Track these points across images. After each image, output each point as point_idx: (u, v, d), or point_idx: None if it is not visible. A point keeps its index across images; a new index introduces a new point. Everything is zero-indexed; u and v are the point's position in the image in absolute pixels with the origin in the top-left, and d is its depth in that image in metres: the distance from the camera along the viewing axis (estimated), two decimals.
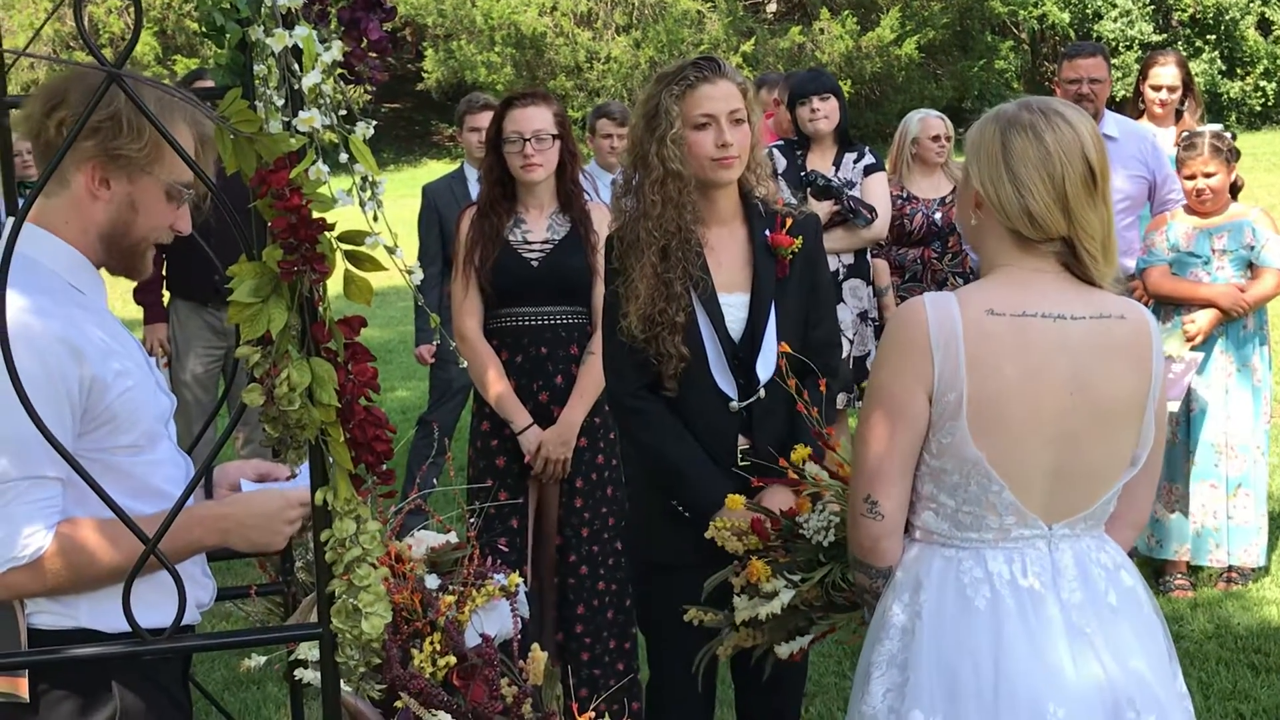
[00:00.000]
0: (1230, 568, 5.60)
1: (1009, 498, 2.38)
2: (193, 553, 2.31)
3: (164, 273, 6.37)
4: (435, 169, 24.21)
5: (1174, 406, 5.39)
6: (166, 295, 6.50)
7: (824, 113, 6.10)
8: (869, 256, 6.34)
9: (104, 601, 2.17)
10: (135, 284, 6.16)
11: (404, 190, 17.05)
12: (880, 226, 6.13)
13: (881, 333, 6.17)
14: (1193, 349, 5.43)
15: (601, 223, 4.47)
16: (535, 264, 4.40)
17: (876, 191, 6.15)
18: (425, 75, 25.11)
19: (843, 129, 6.20)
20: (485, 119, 6.28)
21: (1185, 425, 5.57)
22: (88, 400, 2.15)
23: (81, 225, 2.25)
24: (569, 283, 4.44)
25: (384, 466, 1.99)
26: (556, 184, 4.48)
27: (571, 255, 4.43)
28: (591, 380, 4.37)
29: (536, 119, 4.36)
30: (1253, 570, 5.63)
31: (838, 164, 6.17)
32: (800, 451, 2.91)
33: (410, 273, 1.91)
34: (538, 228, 4.45)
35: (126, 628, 2.01)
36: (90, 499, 2.10)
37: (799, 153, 6.18)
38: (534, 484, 4.50)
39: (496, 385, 4.39)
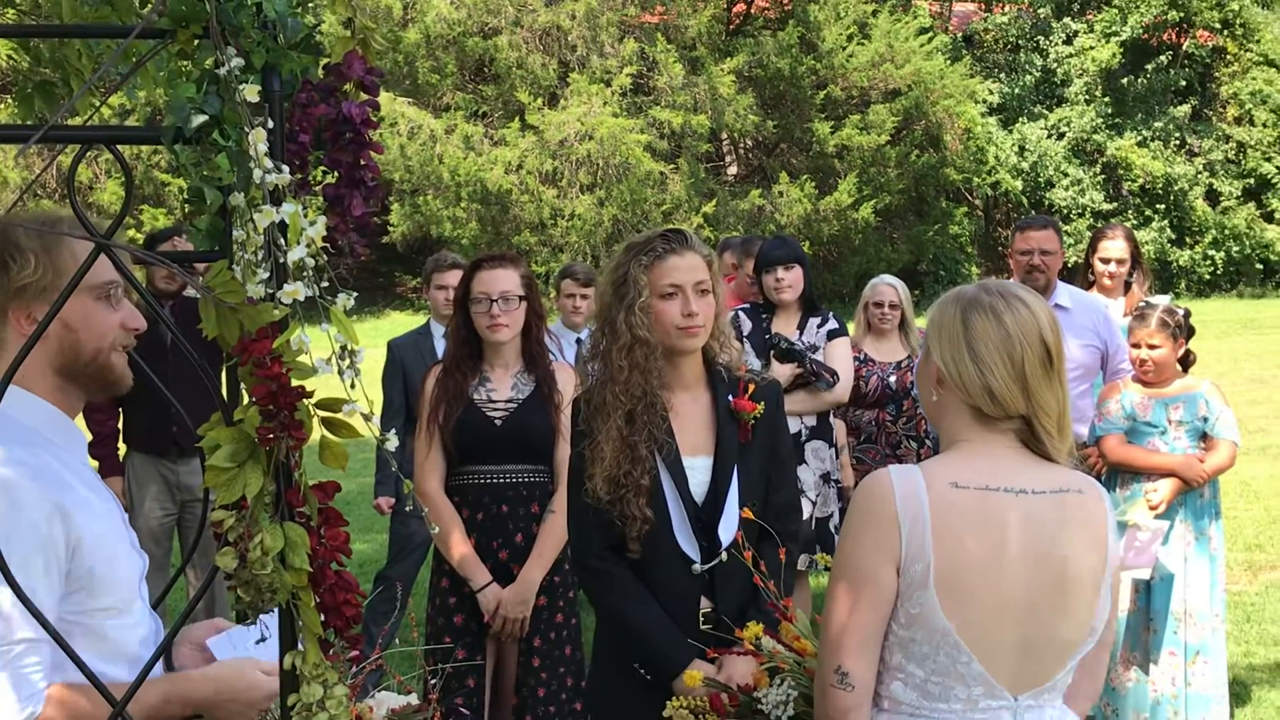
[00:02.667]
0: None
1: (978, 669, 2.40)
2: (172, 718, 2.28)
3: (119, 426, 6.37)
4: (398, 320, 24.36)
5: (1144, 574, 5.43)
6: (123, 449, 6.48)
7: (788, 282, 6.21)
8: (830, 418, 6.43)
9: None
10: (90, 439, 6.15)
11: (366, 341, 17.11)
12: (842, 390, 6.21)
13: (843, 494, 6.25)
14: (1155, 517, 5.49)
15: (566, 383, 4.53)
16: (499, 423, 4.44)
17: (839, 355, 6.25)
18: (391, 228, 25.41)
19: (807, 295, 6.32)
20: (453, 278, 6.39)
21: (1145, 593, 5.60)
22: (71, 562, 2.15)
23: (40, 371, 2.25)
24: (532, 441, 4.47)
25: (352, 631, 2.00)
26: (522, 344, 4.55)
27: (535, 414, 4.47)
28: (552, 539, 4.39)
29: (504, 280, 4.44)
30: None
31: (802, 328, 6.28)
32: (753, 629, 2.93)
33: (385, 441, 1.95)
34: (502, 386, 4.50)
35: None
36: (70, 662, 2.10)
37: (764, 316, 6.29)
38: (492, 643, 4.48)
39: (460, 546, 4.40)
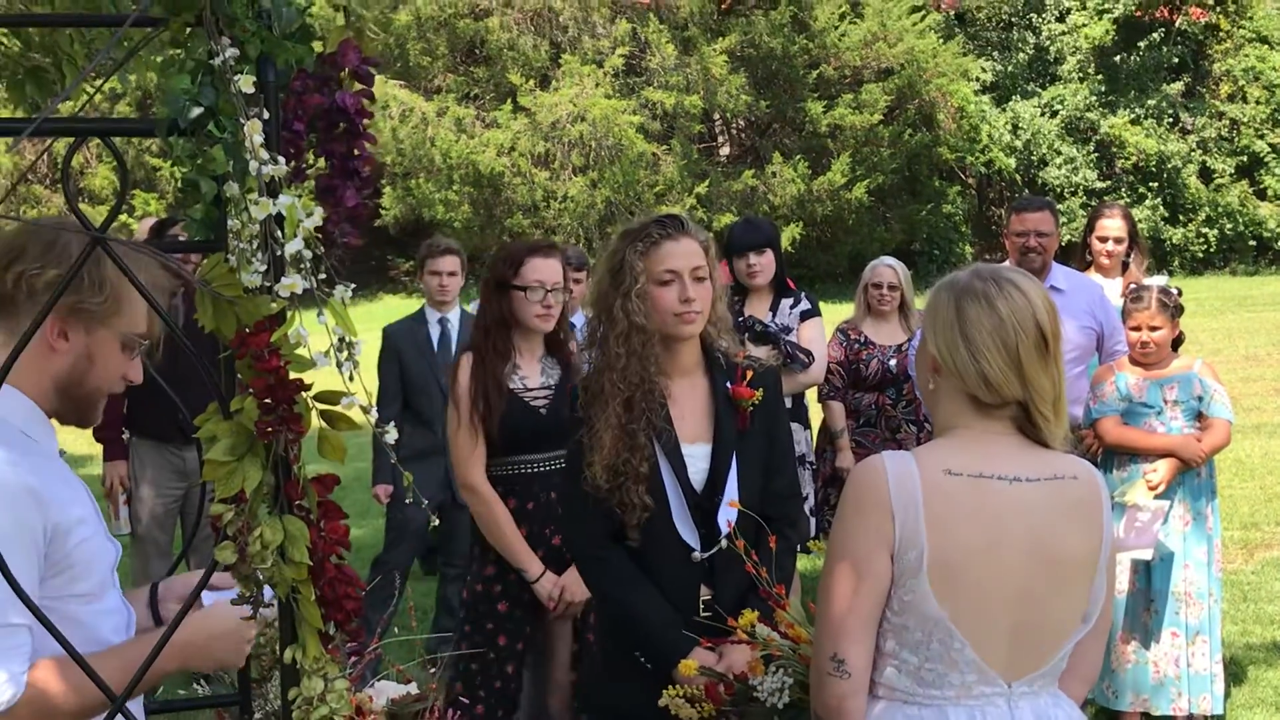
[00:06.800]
0: (1190, 716, 5.60)
1: (971, 655, 2.40)
2: (155, 682, 2.29)
3: (124, 410, 6.35)
4: (392, 305, 24.32)
5: (1146, 554, 5.43)
6: (126, 433, 6.46)
7: (759, 267, 6.20)
8: (821, 399, 6.40)
9: None
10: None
11: (360, 325, 17.12)
12: (817, 370, 6.21)
13: (838, 477, 6.25)
14: (1155, 498, 5.48)
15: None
16: (543, 411, 4.45)
17: (812, 336, 6.24)
18: (383, 211, 25.36)
19: (779, 277, 6.31)
20: (446, 263, 6.42)
21: (1144, 574, 5.60)
22: (49, 547, 2.15)
23: (38, 376, 2.27)
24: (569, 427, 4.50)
25: (352, 624, 2.00)
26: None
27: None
28: None
29: (557, 270, 4.47)
30: (1207, 718, 5.63)
31: (775, 309, 6.27)
32: (748, 616, 2.93)
33: (384, 434, 1.95)
34: (533, 373, 4.51)
35: None
36: (44, 648, 2.10)
37: (736, 299, 6.27)
38: (539, 628, 4.49)
39: (515, 537, 4.41)
